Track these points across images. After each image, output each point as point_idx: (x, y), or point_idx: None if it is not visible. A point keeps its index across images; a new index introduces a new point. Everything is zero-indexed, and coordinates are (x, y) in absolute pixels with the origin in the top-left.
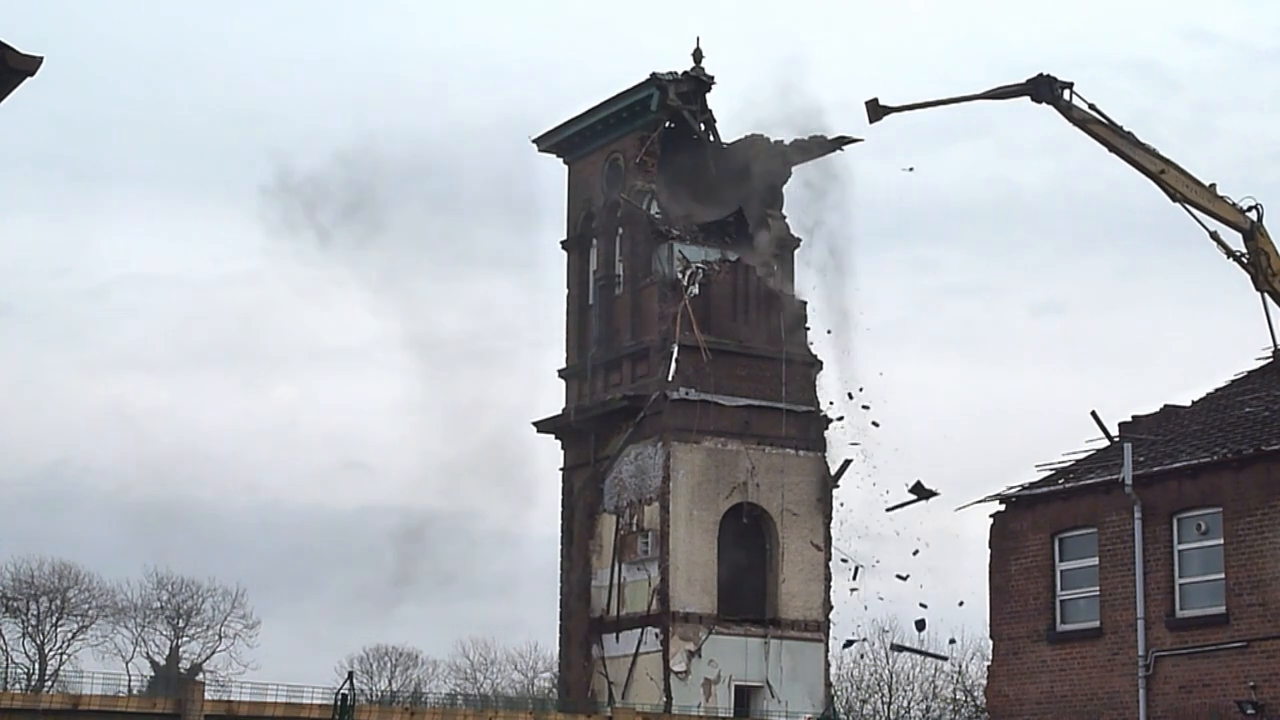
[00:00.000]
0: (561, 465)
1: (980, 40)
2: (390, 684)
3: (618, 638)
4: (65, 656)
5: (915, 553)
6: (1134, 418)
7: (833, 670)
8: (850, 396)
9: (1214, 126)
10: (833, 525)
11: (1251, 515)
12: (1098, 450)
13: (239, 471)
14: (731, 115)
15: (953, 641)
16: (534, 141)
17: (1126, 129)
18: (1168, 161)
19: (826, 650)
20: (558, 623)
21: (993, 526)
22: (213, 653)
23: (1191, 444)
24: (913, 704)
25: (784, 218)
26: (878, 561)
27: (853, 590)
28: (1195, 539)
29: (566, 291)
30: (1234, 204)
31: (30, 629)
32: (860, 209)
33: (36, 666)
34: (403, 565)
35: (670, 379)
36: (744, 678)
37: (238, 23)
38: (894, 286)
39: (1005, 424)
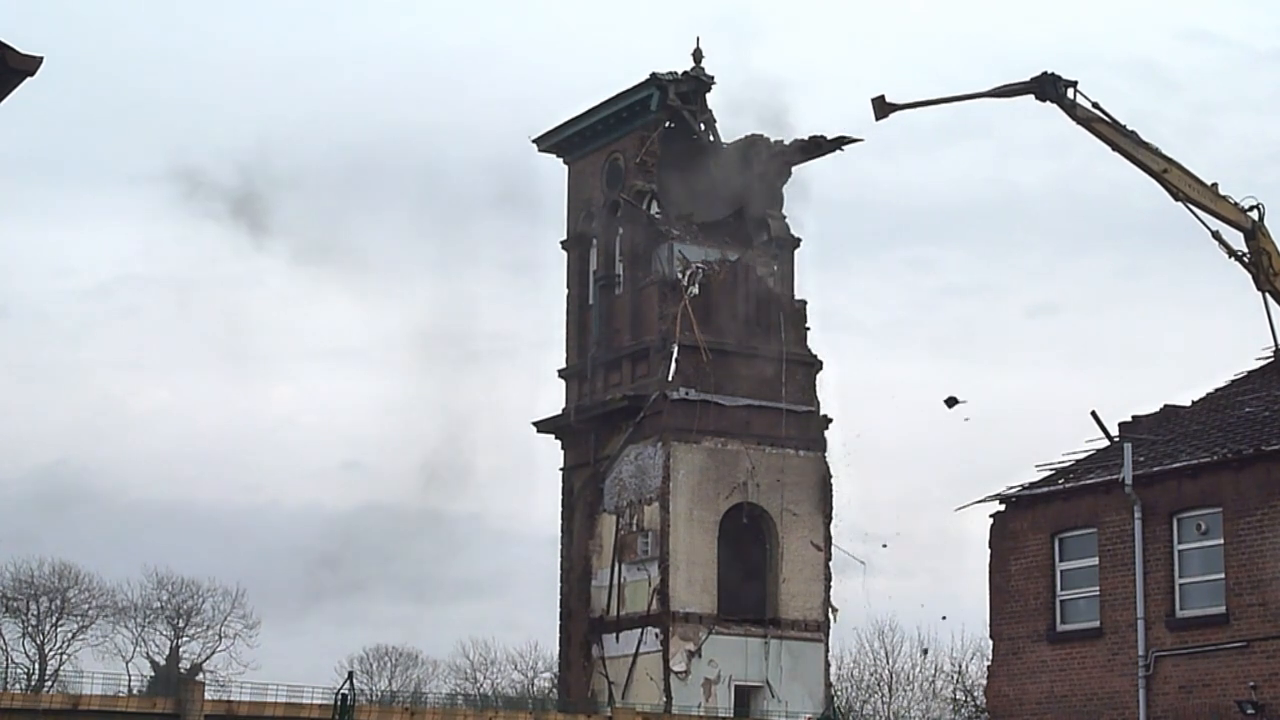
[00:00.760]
0: (561, 465)
1: (980, 40)
2: (390, 684)
3: (618, 638)
4: (65, 656)
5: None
6: (1134, 418)
7: (833, 670)
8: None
9: (1213, 127)
10: (832, 525)
11: (1251, 515)
12: (1098, 450)
13: (239, 471)
14: (731, 116)
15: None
16: (534, 141)
17: (1129, 128)
18: (1170, 161)
19: (826, 650)
20: (558, 623)
21: (993, 526)
22: (213, 653)
23: (1191, 444)
24: (913, 704)
25: (784, 218)
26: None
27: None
28: (1195, 539)
29: (566, 291)
30: (1236, 203)
31: (30, 629)
32: (860, 209)
33: (36, 666)
34: (402, 565)
35: (670, 379)
36: (744, 678)
37: (238, 23)
38: (893, 286)
39: (1005, 424)
